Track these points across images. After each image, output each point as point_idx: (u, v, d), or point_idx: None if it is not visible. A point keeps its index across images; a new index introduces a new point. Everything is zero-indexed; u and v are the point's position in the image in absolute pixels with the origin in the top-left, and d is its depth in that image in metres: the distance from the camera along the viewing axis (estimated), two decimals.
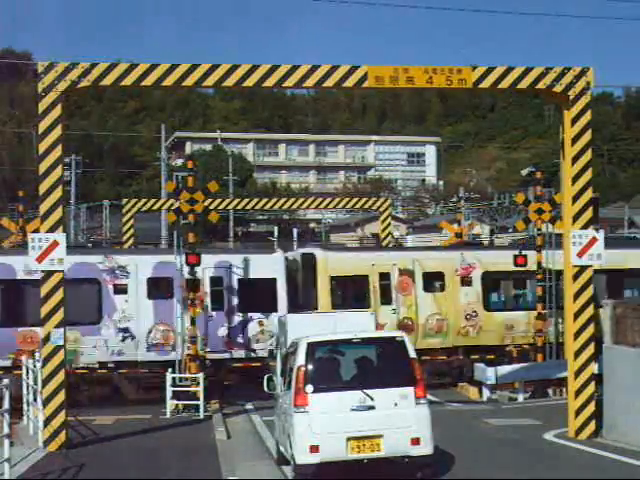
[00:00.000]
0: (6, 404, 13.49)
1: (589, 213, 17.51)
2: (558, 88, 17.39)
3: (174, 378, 22.07)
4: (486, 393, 24.66)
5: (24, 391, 19.31)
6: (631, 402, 16.21)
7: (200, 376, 21.88)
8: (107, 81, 16.85)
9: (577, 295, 17.38)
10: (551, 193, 27.13)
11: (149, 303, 24.85)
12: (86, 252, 26.21)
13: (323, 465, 12.90)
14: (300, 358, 13.20)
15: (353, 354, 13.53)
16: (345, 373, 13.48)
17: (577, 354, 17.30)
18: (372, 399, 12.96)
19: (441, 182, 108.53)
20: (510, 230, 55.90)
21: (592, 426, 17.12)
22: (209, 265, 24.72)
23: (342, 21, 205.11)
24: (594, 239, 17.36)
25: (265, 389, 15.31)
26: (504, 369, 24.48)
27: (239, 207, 38.65)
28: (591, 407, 17.19)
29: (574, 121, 17.39)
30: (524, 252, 26.05)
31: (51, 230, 16.77)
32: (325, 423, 12.89)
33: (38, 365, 17.76)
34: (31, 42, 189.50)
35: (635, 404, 16.05)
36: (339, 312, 19.82)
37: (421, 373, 13.36)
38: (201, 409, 21.36)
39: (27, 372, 19.50)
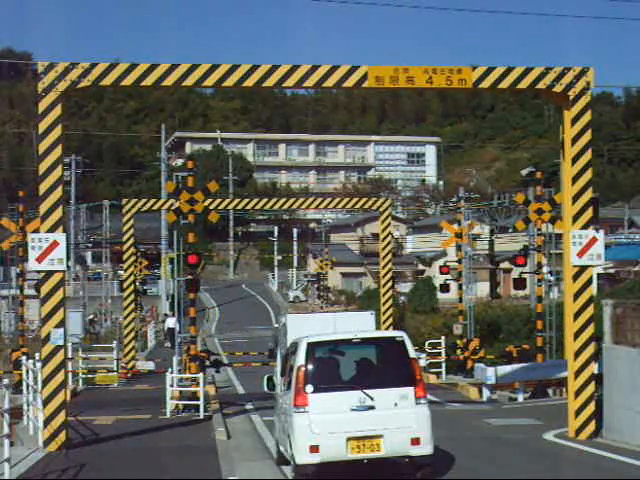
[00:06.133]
0: (6, 404, 13.48)
1: (589, 213, 17.50)
2: (558, 88, 17.39)
3: (174, 378, 22.07)
4: (486, 393, 24.64)
5: (24, 391, 19.31)
6: (631, 402, 16.20)
7: (200, 376, 21.87)
8: (107, 81, 16.83)
9: (577, 295, 17.38)
10: (551, 193, 27.02)
11: None
12: None
13: (323, 465, 12.89)
14: (300, 358, 13.18)
15: (353, 354, 13.51)
16: (345, 373, 13.45)
17: (577, 354, 17.30)
18: (372, 399, 12.94)
19: (441, 182, 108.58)
20: (510, 230, 55.84)
21: (592, 426, 17.11)
22: None
23: (341, 21, 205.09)
24: (594, 239, 17.36)
25: (265, 389, 15.31)
26: (504, 369, 24.48)
27: (239, 207, 38.64)
28: (591, 407, 17.18)
29: (574, 121, 17.38)
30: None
31: (51, 230, 16.76)
32: (325, 423, 12.86)
33: (38, 365, 17.76)
34: (31, 42, 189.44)
35: (635, 404, 16.04)
36: (339, 312, 19.77)
37: (421, 373, 13.35)
38: (201, 409, 21.33)
39: (27, 372, 19.49)
